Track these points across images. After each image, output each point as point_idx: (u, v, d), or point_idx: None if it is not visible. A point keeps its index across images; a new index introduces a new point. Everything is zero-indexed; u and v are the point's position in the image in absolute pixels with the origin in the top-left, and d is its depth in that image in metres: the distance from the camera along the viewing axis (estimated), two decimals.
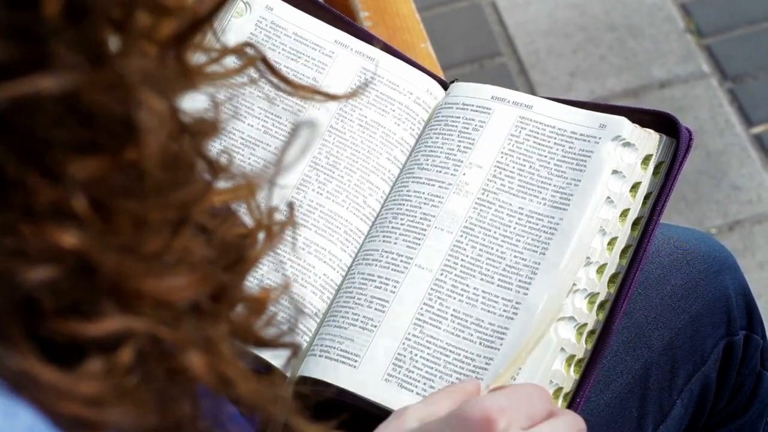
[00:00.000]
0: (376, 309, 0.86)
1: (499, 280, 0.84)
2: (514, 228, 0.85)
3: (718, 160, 1.90)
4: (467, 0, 2.15)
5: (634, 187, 0.85)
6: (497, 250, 0.85)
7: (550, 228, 0.84)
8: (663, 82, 2.00)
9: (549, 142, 0.88)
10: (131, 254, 0.47)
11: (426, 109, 0.94)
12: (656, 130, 0.87)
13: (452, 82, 0.96)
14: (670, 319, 0.96)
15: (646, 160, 0.86)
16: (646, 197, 0.86)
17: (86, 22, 0.45)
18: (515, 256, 0.84)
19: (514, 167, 0.88)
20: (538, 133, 0.89)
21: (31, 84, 0.44)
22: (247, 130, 0.92)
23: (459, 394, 0.71)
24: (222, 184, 0.55)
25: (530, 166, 0.88)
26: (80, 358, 0.47)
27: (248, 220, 0.58)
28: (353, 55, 0.95)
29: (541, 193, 0.86)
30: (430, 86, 0.95)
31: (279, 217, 0.59)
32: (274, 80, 0.58)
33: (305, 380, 0.86)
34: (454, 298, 0.84)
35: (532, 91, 2.00)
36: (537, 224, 0.85)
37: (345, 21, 0.96)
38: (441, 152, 0.91)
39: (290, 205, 0.60)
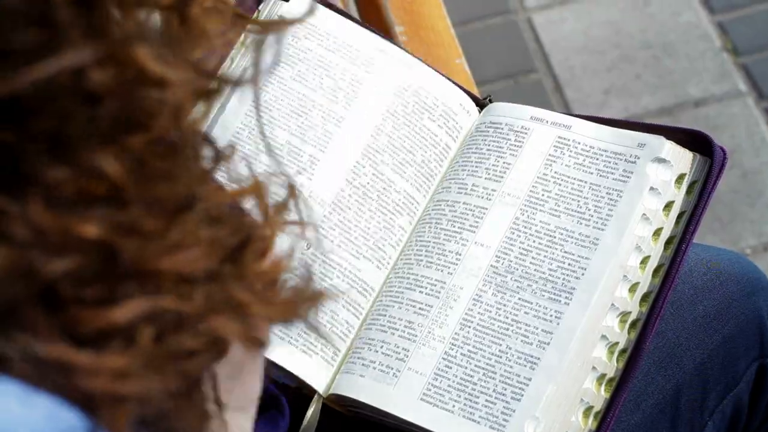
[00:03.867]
0: (410, 331, 0.86)
1: (536, 302, 0.84)
2: (553, 248, 0.85)
3: (753, 179, 1.88)
4: (503, 16, 2.16)
5: (668, 206, 0.85)
6: (536, 270, 0.85)
7: (589, 247, 0.84)
8: (698, 101, 1.99)
9: (588, 161, 0.88)
10: (148, 236, 0.48)
11: (457, 127, 0.94)
12: (690, 149, 0.86)
13: (485, 99, 0.96)
14: (702, 339, 0.95)
15: (680, 179, 0.86)
16: (679, 216, 0.85)
17: (94, 6, 0.46)
18: (553, 275, 0.84)
19: (552, 187, 0.88)
20: (576, 152, 0.89)
21: (50, 66, 0.45)
22: (283, 136, 0.91)
23: None
24: (230, 184, 0.56)
25: (570, 186, 0.88)
26: (99, 346, 0.48)
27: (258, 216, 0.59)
28: (394, 61, 0.95)
29: (580, 212, 0.86)
30: (462, 101, 0.95)
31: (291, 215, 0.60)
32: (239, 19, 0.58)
33: (340, 398, 0.86)
34: (487, 330, 0.84)
35: (566, 108, 1.99)
36: (576, 243, 0.85)
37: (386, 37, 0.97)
38: (479, 172, 0.91)
39: (290, 188, 0.60)
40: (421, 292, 0.87)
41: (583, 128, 0.90)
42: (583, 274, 0.83)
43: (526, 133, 0.91)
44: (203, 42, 0.52)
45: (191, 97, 0.51)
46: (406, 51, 0.96)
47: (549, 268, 0.85)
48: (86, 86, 0.46)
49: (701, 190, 0.85)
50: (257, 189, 0.57)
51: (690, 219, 0.84)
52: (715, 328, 0.96)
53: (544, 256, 0.85)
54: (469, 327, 0.85)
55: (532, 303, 0.84)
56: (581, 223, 0.86)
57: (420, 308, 0.86)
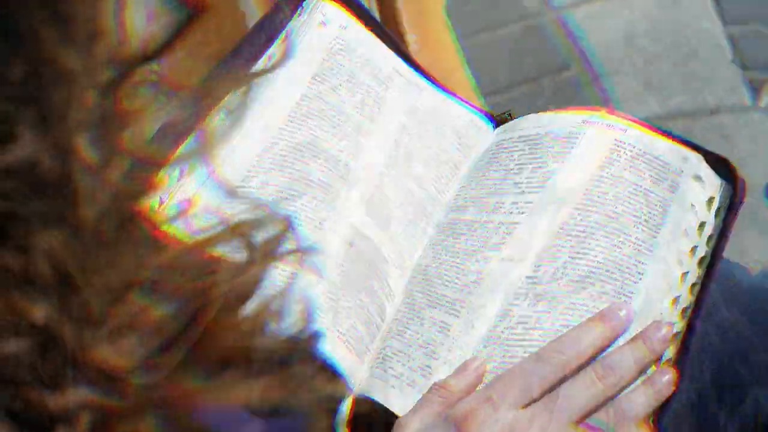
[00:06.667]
0: (432, 348, 0.85)
1: (593, 304, 0.82)
2: (611, 249, 0.84)
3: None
4: (527, 20, 2.15)
5: (701, 226, 0.85)
6: (590, 272, 0.83)
7: (645, 253, 0.83)
8: (713, 109, 1.99)
9: (642, 166, 0.87)
10: (87, 324, 0.47)
11: (468, 144, 0.95)
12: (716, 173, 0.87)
13: (505, 114, 0.96)
14: (719, 350, 0.95)
15: (710, 201, 0.86)
16: (708, 238, 0.85)
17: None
18: (608, 274, 0.83)
19: (609, 189, 0.86)
20: (632, 156, 0.87)
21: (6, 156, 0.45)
22: (321, 145, 0.92)
23: (442, 394, 0.79)
24: (201, 233, 0.53)
25: (626, 189, 0.86)
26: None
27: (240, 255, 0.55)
28: (407, 84, 0.96)
29: (636, 216, 0.85)
30: (473, 119, 0.96)
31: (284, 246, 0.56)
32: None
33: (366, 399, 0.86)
34: (522, 343, 0.83)
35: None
36: (633, 247, 0.84)
37: (401, 49, 0.98)
38: (504, 188, 0.90)
39: (288, 221, 0.57)
40: (440, 310, 0.86)
41: (636, 133, 0.89)
42: (640, 279, 0.83)
43: (576, 138, 0.90)
44: (137, 120, 0.50)
45: (124, 181, 0.49)
46: (418, 72, 0.97)
47: (607, 270, 0.83)
48: (38, 174, 0.46)
49: (724, 217, 0.85)
50: (239, 228, 0.54)
51: (717, 243, 0.85)
52: (731, 338, 0.96)
53: (603, 258, 0.83)
54: (495, 344, 0.83)
55: (588, 306, 0.82)
56: (638, 227, 0.85)
57: (441, 327, 0.85)
